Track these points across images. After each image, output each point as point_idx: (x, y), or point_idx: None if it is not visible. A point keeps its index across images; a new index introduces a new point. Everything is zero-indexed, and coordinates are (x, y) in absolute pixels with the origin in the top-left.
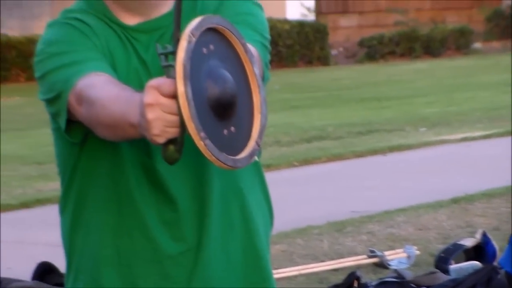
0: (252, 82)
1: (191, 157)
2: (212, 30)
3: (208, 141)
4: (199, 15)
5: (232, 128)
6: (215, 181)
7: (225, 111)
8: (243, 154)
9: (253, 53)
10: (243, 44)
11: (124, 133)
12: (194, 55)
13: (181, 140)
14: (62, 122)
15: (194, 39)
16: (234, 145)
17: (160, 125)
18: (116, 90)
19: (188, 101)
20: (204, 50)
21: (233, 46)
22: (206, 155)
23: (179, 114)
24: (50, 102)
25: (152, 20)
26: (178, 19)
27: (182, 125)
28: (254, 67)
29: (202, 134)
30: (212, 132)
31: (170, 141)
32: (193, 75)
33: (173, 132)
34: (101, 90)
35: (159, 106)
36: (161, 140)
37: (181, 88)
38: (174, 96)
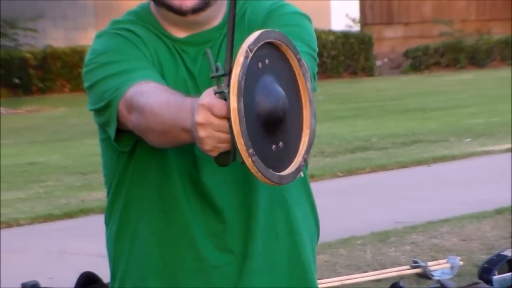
0: (304, 97)
1: (237, 169)
2: (268, 44)
3: (255, 158)
4: (248, 27)
5: (281, 144)
6: (261, 193)
7: (275, 127)
8: (289, 170)
9: (307, 68)
10: (298, 59)
11: (176, 138)
12: (250, 70)
13: (234, 152)
14: (112, 131)
15: (251, 54)
16: (281, 160)
17: (211, 142)
18: (166, 95)
19: (240, 117)
20: (260, 64)
21: (288, 60)
22: (252, 171)
23: (230, 130)
24: (99, 111)
25: (200, 33)
26: (231, 39)
27: (233, 140)
28: (307, 82)
29: (251, 150)
30: (261, 148)
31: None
32: (247, 91)
33: (224, 147)
34: (151, 97)
35: (210, 126)
36: (213, 154)
37: (233, 104)
38: (225, 117)
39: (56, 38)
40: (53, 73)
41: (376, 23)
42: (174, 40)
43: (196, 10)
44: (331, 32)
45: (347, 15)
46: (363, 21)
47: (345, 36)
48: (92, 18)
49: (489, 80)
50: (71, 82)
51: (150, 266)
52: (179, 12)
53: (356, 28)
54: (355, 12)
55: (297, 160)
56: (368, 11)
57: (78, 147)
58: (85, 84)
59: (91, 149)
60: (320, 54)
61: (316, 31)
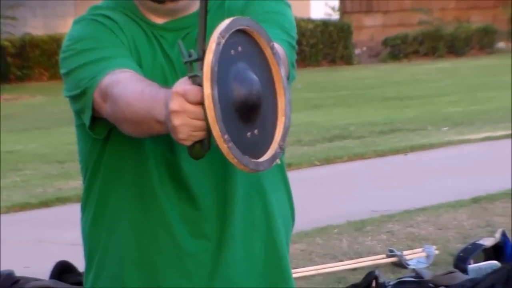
0: (278, 85)
1: (215, 156)
2: (241, 31)
3: (231, 144)
4: (227, 14)
5: (256, 131)
6: (238, 180)
7: (249, 113)
8: (265, 157)
9: (280, 55)
10: (271, 47)
11: (150, 129)
12: (222, 57)
13: (208, 141)
14: (87, 118)
15: (223, 41)
16: (257, 147)
17: (186, 130)
18: (141, 86)
19: (214, 103)
20: (232, 52)
21: (261, 48)
22: (228, 157)
23: (205, 117)
24: (75, 98)
25: (178, 19)
26: (204, 25)
27: (208, 127)
28: (281, 70)
29: (226, 136)
30: (236, 134)
31: (199, 141)
32: (220, 77)
33: (199, 135)
34: (126, 87)
35: (185, 113)
36: (188, 143)
37: (207, 91)
38: (200, 103)
39: (35, 26)
40: (31, 61)
41: (355, 12)
42: (153, 25)
43: None
44: (310, 21)
45: (326, 4)
46: (342, 9)
47: (324, 24)
48: (71, 6)
49: (468, 69)
50: (49, 70)
51: (126, 253)
52: (158, 0)
53: (335, 16)
54: (335, 1)
55: (273, 147)
56: (347, 0)
57: (56, 135)
58: (62, 71)
59: (68, 137)
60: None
61: (295, 19)
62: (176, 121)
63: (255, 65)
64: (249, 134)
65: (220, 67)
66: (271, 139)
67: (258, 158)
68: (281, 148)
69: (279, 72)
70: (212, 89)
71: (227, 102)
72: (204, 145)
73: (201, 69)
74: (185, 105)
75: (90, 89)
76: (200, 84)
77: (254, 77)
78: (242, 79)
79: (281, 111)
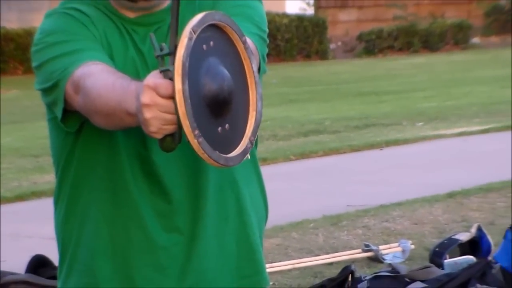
0: (250, 79)
1: (187, 150)
2: (213, 26)
3: (201, 139)
4: (198, 8)
5: (227, 126)
6: (210, 174)
7: (220, 108)
8: (236, 152)
9: (252, 50)
10: (243, 41)
11: (121, 121)
12: (194, 52)
13: (179, 135)
14: (59, 111)
15: (194, 36)
16: (227, 142)
17: (157, 123)
18: (113, 78)
19: (185, 99)
20: (204, 46)
21: (233, 42)
22: (198, 153)
23: (175, 111)
24: (47, 91)
25: (151, 14)
26: (176, 20)
27: (179, 121)
28: (253, 64)
29: (197, 132)
30: (207, 129)
31: (169, 134)
32: (192, 73)
33: (170, 129)
34: (97, 79)
35: (156, 107)
36: (158, 136)
37: (178, 86)
38: (171, 97)
39: (10, 20)
40: (6, 55)
41: (330, 7)
42: (125, 19)
43: None
44: (285, 15)
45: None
46: (317, 4)
47: (299, 19)
48: (46, 0)
49: (443, 64)
50: (24, 64)
51: (99, 247)
52: None
53: (310, 11)
54: None
55: (244, 142)
56: None
57: (31, 129)
58: (34, 64)
59: (43, 131)
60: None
61: (270, 14)
62: (147, 114)
63: (227, 60)
64: (220, 129)
65: (192, 62)
66: (242, 134)
67: (228, 153)
68: (252, 142)
69: (251, 67)
70: (183, 84)
71: (198, 97)
72: (175, 139)
73: (173, 63)
74: (156, 99)
75: (62, 81)
76: (172, 78)
77: (226, 72)
78: (213, 75)
79: (252, 106)
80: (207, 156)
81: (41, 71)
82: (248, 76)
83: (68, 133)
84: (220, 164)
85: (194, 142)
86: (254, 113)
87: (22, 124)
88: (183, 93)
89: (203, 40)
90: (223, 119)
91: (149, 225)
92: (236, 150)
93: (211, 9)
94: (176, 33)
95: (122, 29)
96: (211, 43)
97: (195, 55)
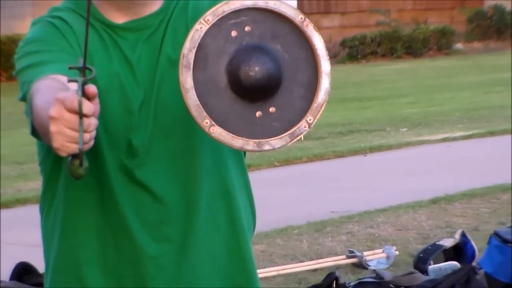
0: (316, 56)
1: (177, 160)
2: (255, 10)
3: (215, 128)
4: (191, 15)
5: (271, 109)
6: (202, 184)
7: (256, 93)
8: (281, 135)
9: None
10: (300, 18)
11: None
12: (213, 40)
13: (81, 160)
14: (29, 123)
15: (207, 25)
16: (271, 126)
17: (60, 139)
18: (51, 96)
19: (185, 90)
20: (234, 33)
21: (287, 21)
22: (218, 142)
23: (80, 128)
24: (23, 101)
25: (139, 19)
26: (87, 33)
27: (81, 141)
28: (315, 40)
29: (207, 122)
30: (233, 116)
31: (76, 156)
32: (206, 62)
33: (73, 148)
34: (40, 97)
35: (61, 121)
36: (62, 153)
37: (180, 78)
38: (76, 112)
39: None
40: None
41: (313, 13)
42: (112, 26)
43: None
44: None
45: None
46: (300, 10)
47: None
48: (30, 7)
49: (426, 70)
50: (7, 71)
51: (89, 258)
52: None
53: None
54: (293, 1)
55: (298, 124)
56: (305, 0)
57: (15, 136)
58: (14, 72)
59: (28, 138)
60: None
61: None
62: (52, 127)
63: (276, 41)
64: (259, 113)
65: (204, 52)
66: (297, 115)
67: (272, 137)
68: (309, 125)
69: (314, 43)
70: (183, 76)
71: (215, 86)
72: (80, 161)
73: (84, 76)
74: (62, 112)
75: (27, 95)
76: (83, 91)
77: (260, 57)
78: (240, 61)
79: (315, 85)
80: (227, 143)
81: (18, 80)
82: (311, 53)
83: None
84: (248, 150)
85: (207, 133)
86: (316, 92)
87: (5, 131)
88: (184, 85)
89: (234, 26)
90: (264, 103)
91: (137, 235)
92: (285, 133)
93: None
94: (85, 48)
95: (107, 40)
96: (247, 28)
97: (215, 43)
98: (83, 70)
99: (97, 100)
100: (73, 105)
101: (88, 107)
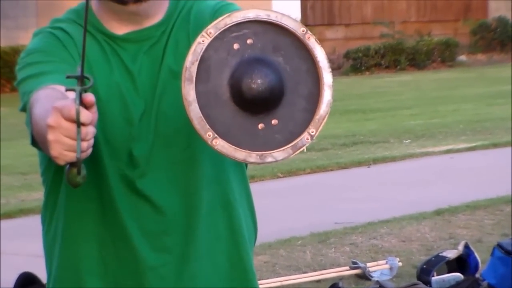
0: (315, 69)
1: (178, 171)
2: (256, 22)
3: (218, 140)
4: (193, 25)
5: (273, 121)
6: (203, 194)
7: (258, 106)
8: (284, 147)
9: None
10: (302, 31)
11: None
12: (216, 53)
13: (79, 168)
14: (29, 133)
15: (209, 38)
16: (273, 138)
17: (58, 147)
18: (49, 105)
19: (188, 103)
20: (236, 46)
21: (288, 33)
22: (220, 154)
23: (77, 137)
24: (24, 111)
25: (140, 30)
26: (85, 41)
27: (80, 150)
28: (317, 52)
29: (209, 134)
30: (235, 129)
31: (74, 164)
32: (206, 76)
33: (71, 156)
34: (41, 105)
35: (58, 129)
36: (60, 162)
37: (182, 91)
38: (74, 121)
39: None
40: None
41: (317, 24)
42: (113, 37)
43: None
44: None
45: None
46: (305, 21)
47: None
48: (33, 18)
49: (429, 82)
50: (11, 82)
51: (90, 268)
52: (121, 0)
53: None
54: (297, 13)
55: (300, 136)
56: (309, 12)
57: (18, 147)
58: (15, 83)
59: (31, 149)
60: None
61: None
62: (50, 136)
63: (278, 54)
64: (261, 125)
65: (206, 65)
66: (299, 127)
67: (275, 149)
68: (312, 137)
69: (315, 56)
70: (185, 89)
71: (217, 98)
72: (78, 169)
73: (81, 84)
74: (60, 121)
75: (27, 105)
76: (81, 100)
77: (262, 69)
78: (242, 74)
79: (317, 97)
80: (229, 156)
81: (19, 91)
82: (313, 65)
83: None
84: (250, 162)
85: (210, 145)
86: (318, 104)
87: (9, 142)
88: (185, 98)
89: (236, 39)
90: (266, 115)
91: (137, 245)
92: (287, 145)
93: (208, 23)
94: (83, 56)
95: (107, 51)
96: (249, 40)
97: (218, 56)
98: (81, 79)
99: (95, 109)
100: (71, 114)
101: (86, 115)
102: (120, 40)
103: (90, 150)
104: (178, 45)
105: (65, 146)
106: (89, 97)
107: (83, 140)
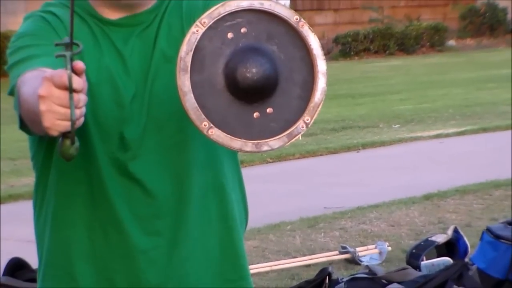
0: (309, 57)
1: (169, 155)
2: (250, 11)
3: (214, 130)
4: (185, 13)
5: (268, 110)
6: (195, 178)
7: (253, 94)
8: (279, 136)
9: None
10: (296, 19)
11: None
12: (210, 43)
13: (72, 136)
14: (17, 117)
15: (203, 28)
16: (269, 127)
17: (50, 117)
18: (37, 83)
19: (183, 93)
20: (230, 35)
21: (282, 21)
22: (216, 143)
23: (70, 103)
24: (12, 95)
25: (133, 16)
26: (73, 7)
27: (73, 122)
28: (310, 40)
29: (205, 124)
30: (230, 118)
31: (67, 136)
32: (200, 66)
33: (64, 125)
34: (29, 86)
35: (50, 98)
36: (53, 132)
37: (177, 82)
38: (65, 88)
39: None
40: None
41: (306, 9)
42: (105, 21)
43: None
44: None
45: (277, 2)
46: (294, 7)
47: None
48: (22, 3)
49: (418, 66)
50: (0, 67)
51: (79, 252)
52: None
53: None
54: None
55: (295, 124)
56: None
57: (8, 132)
58: (6, 67)
59: (21, 134)
60: None
61: None
62: (42, 106)
63: (273, 42)
64: (256, 114)
65: (201, 55)
66: (294, 116)
67: (270, 137)
68: (307, 124)
69: (309, 43)
70: (180, 79)
71: (212, 88)
72: (71, 139)
73: (71, 50)
74: (51, 90)
75: (15, 88)
76: (72, 68)
77: (257, 58)
78: (236, 63)
79: (311, 85)
80: (225, 145)
81: (9, 75)
82: (307, 53)
83: (42, 137)
84: (246, 151)
85: (206, 135)
86: (313, 92)
87: None
88: (180, 89)
89: (230, 28)
90: (261, 104)
91: (128, 228)
92: (282, 133)
93: (201, 13)
94: (72, 22)
95: (98, 34)
96: (243, 29)
97: (212, 46)
98: (70, 45)
99: (84, 77)
100: (62, 80)
101: (78, 81)
102: (111, 24)
103: (82, 119)
104: (171, 29)
105: (58, 115)
106: (79, 64)
107: (75, 107)
